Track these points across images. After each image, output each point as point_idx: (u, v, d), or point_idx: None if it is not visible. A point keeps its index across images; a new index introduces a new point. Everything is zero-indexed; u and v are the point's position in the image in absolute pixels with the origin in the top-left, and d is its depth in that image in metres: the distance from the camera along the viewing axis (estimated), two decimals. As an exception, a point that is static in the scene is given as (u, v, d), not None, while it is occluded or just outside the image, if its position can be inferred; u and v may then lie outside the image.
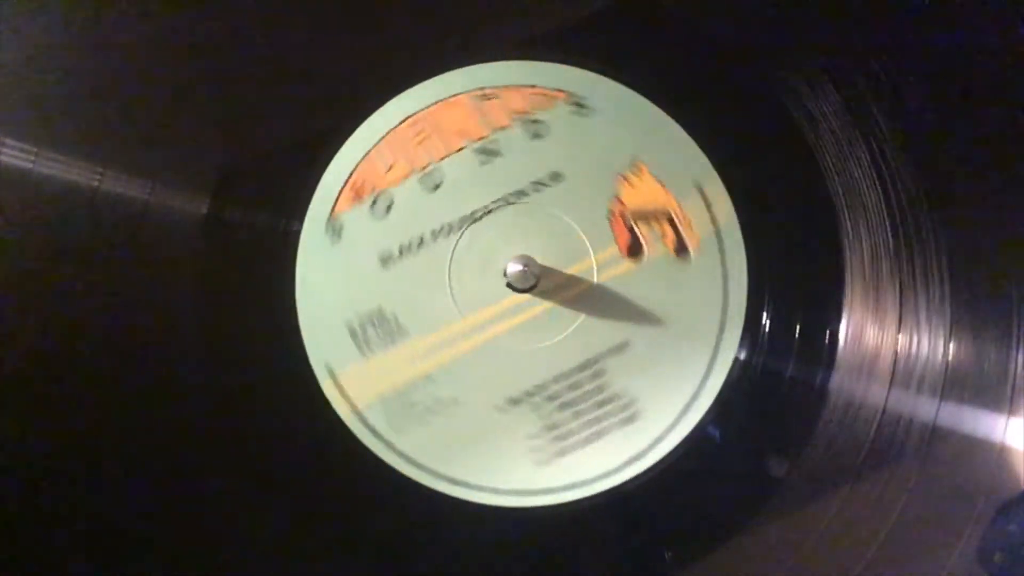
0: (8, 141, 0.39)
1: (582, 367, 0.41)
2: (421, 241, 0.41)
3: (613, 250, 0.42)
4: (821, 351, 0.42)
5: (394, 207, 0.41)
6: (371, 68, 0.42)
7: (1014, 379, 0.41)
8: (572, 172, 0.42)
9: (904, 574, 0.40)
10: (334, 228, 0.41)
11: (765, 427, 0.42)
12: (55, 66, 0.40)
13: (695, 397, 0.41)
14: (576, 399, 0.41)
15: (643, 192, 0.42)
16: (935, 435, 0.41)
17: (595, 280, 0.42)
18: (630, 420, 0.41)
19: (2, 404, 0.39)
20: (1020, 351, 0.41)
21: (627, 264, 0.42)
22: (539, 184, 0.42)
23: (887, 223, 0.42)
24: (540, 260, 0.41)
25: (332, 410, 0.41)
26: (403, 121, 0.42)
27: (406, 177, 0.42)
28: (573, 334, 0.41)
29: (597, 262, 0.42)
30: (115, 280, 0.40)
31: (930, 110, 0.42)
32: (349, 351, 0.41)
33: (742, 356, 0.42)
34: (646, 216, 0.42)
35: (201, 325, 0.40)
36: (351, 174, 0.41)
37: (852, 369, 0.42)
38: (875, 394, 0.41)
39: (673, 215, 0.42)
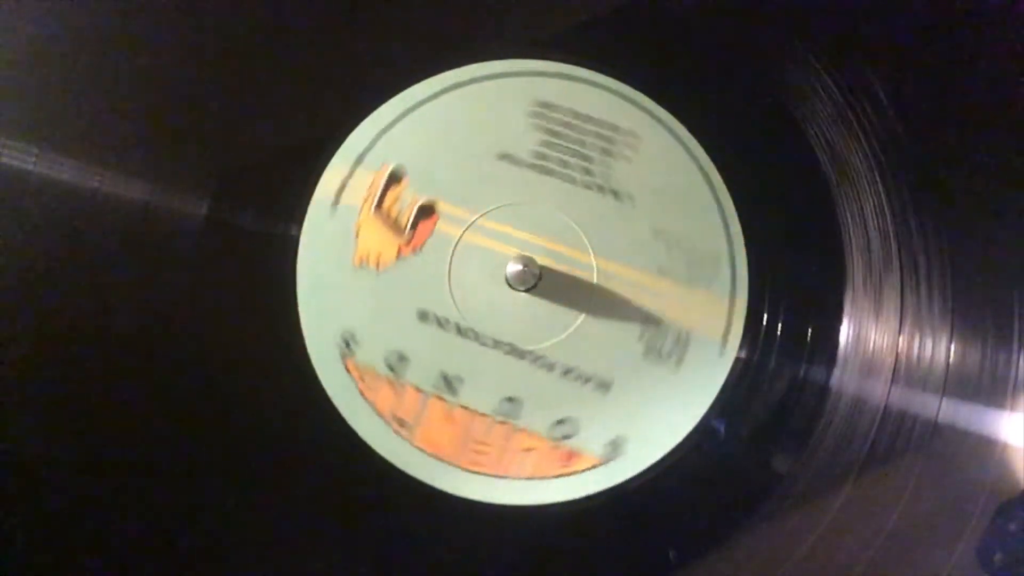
0: (9, 142, 0.39)
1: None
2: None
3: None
4: (823, 350, 0.42)
5: None
6: (371, 68, 0.42)
7: (1015, 378, 0.41)
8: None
9: (904, 574, 0.40)
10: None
11: (767, 426, 0.42)
12: (55, 66, 0.40)
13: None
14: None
15: None
16: (936, 434, 0.41)
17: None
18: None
19: (2, 404, 0.39)
20: (1021, 350, 0.41)
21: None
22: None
23: (887, 223, 0.42)
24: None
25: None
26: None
27: None
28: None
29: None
30: (115, 280, 0.40)
31: (930, 110, 0.42)
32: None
33: (743, 355, 0.42)
34: None
35: (201, 326, 0.40)
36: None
37: (854, 368, 0.42)
38: (876, 393, 0.41)
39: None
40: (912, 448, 0.41)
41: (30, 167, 0.39)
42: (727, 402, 0.41)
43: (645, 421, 0.41)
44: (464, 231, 0.42)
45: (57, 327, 0.40)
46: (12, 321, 0.39)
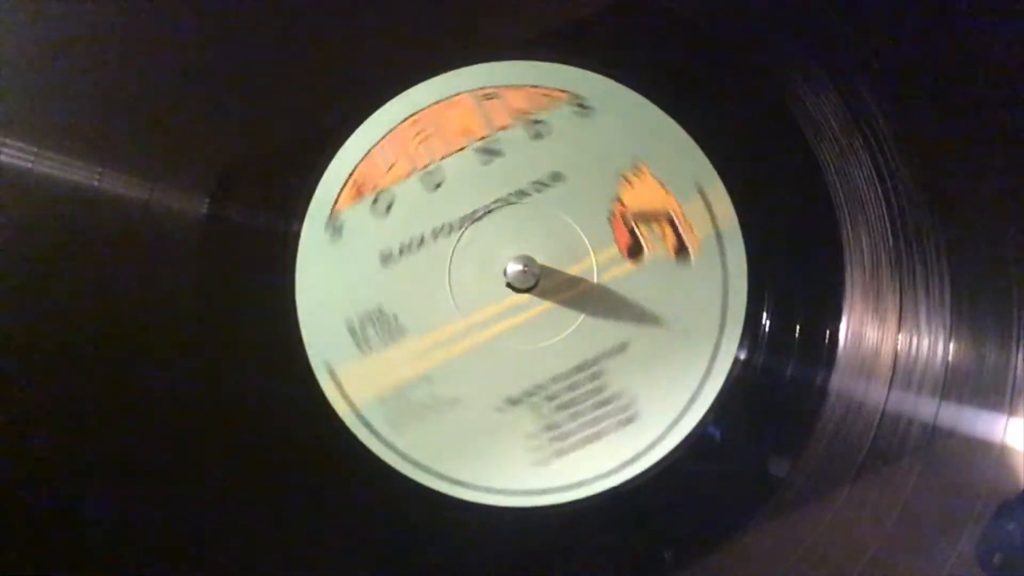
0: (8, 141, 0.39)
1: (580, 368, 0.41)
2: (422, 240, 0.41)
3: (613, 251, 0.42)
4: (821, 351, 0.42)
5: (395, 206, 0.41)
6: (372, 67, 0.42)
7: (1014, 379, 0.41)
8: (573, 172, 0.42)
9: (904, 574, 0.40)
10: (334, 226, 0.41)
11: (765, 427, 0.42)
12: (55, 66, 0.40)
13: (695, 397, 0.41)
14: (575, 399, 0.41)
15: (644, 193, 0.42)
16: (935, 435, 0.41)
17: (595, 280, 0.42)
18: (629, 421, 0.41)
19: (2, 403, 0.39)
20: (1020, 351, 0.41)
21: (628, 265, 0.42)
22: (540, 184, 0.42)
23: (887, 223, 0.42)
24: (540, 260, 0.41)
25: (332, 410, 0.41)
26: (404, 120, 0.42)
27: (407, 176, 0.42)
28: (573, 334, 0.41)
29: (597, 263, 0.42)
30: (115, 280, 0.40)
31: (930, 110, 0.42)
32: (348, 349, 0.41)
33: (742, 356, 0.42)
34: (647, 217, 0.42)
35: (201, 325, 0.40)
36: (352, 172, 0.41)
37: (852, 369, 0.42)
38: (875, 394, 0.41)
39: (674, 216, 0.42)
40: (912, 449, 0.41)
41: (30, 167, 0.39)
42: (726, 403, 0.41)
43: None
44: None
45: (57, 326, 0.40)
46: (12, 321, 0.39)
